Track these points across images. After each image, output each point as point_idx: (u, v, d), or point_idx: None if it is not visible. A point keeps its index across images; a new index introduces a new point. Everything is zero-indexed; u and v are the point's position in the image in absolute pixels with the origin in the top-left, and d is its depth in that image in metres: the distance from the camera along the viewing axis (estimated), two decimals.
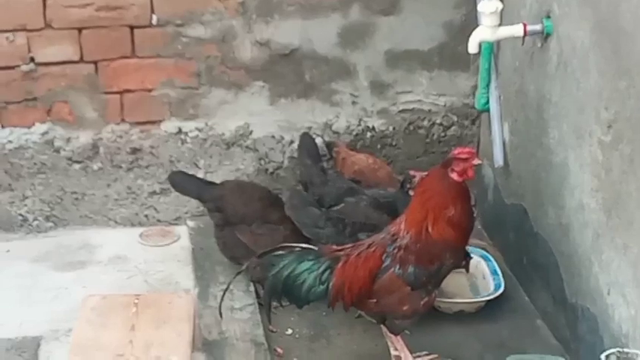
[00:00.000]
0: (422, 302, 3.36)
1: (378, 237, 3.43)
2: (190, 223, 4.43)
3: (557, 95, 3.56)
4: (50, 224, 4.40)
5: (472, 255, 4.11)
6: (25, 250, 4.26)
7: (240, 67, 4.28)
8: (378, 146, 4.49)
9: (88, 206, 4.40)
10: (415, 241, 3.31)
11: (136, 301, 3.39)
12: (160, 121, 4.32)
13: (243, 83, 4.31)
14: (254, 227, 3.92)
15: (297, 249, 3.39)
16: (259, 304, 3.75)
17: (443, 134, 4.51)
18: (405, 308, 3.36)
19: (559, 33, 3.49)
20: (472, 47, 3.66)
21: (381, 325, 3.49)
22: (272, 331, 3.78)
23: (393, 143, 4.50)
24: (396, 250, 3.32)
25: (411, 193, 3.82)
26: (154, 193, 4.42)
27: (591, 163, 3.29)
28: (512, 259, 4.22)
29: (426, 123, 4.49)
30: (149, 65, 4.22)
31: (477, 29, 3.64)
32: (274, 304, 3.41)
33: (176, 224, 4.48)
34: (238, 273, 3.47)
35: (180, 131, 4.35)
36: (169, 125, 4.33)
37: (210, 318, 3.70)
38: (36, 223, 4.37)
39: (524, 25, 3.58)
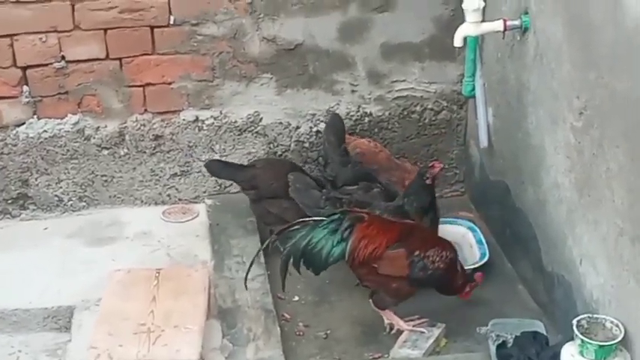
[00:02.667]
0: (406, 289, 3.34)
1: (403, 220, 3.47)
2: (208, 202, 4.40)
3: (534, 84, 3.50)
4: (83, 204, 4.38)
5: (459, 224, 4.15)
6: (61, 228, 4.25)
7: (250, 61, 4.22)
8: (376, 130, 4.44)
9: (116, 187, 4.38)
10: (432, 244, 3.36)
11: (157, 274, 3.38)
12: (179, 111, 4.28)
13: (253, 76, 4.25)
14: (282, 201, 3.91)
15: (311, 222, 3.36)
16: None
17: (434, 118, 4.46)
18: (393, 285, 3.34)
19: (536, 27, 3.43)
20: (457, 41, 3.60)
21: (370, 301, 3.47)
22: (280, 299, 3.77)
23: (389, 127, 4.45)
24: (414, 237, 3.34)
25: (429, 182, 3.76)
26: (175, 174, 4.39)
27: (565, 146, 3.24)
28: (496, 230, 4.19)
29: (418, 108, 4.43)
30: (168, 61, 4.17)
31: (462, 25, 3.58)
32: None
33: (195, 202, 4.45)
34: (260, 250, 3.45)
35: (197, 119, 4.30)
36: (187, 114, 4.29)
37: (225, 287, 3.69)
38: (70, 203, 4.35)
39: (504, 21, 3.52)
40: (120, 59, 4.15)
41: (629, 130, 2.71)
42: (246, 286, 3.45)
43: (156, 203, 4.43)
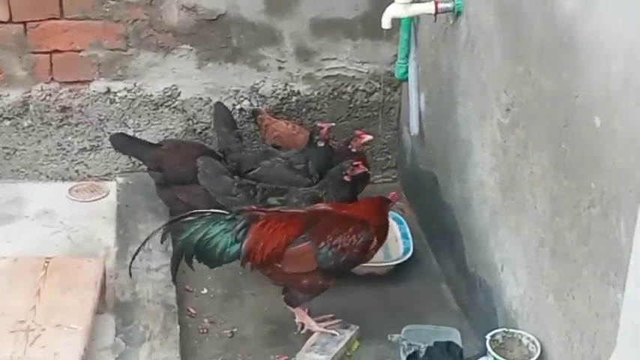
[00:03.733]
0: (319, 282, 3.14)
1: (304, 209, 3.24)
2: (119, 180, 4.16)
3: (464, 73, 3.30)
4: None
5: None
6: None
7: (167, 30, 3.97)
8: (304, 110, 4.22)
9: (19, 161, 4.13)
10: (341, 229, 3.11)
11: (46, 264, 3.14)
12: (89, 82, 4.02)
13: (170, 46, 4.00)
14: (192, 187, 3.66)
15: (209, 214, 3.15)
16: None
17: (366, 100, 4.24)
18: (304, 282, 3.14)
19: (468, 12, 3.21)
20: (385, 23, 3.37)
21: (283, 296, 3.26)
22: (188, 291, 3.56)
23: (318, 107, 4.23)
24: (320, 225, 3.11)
25: (320, 144, 3.73)
26: (84, 149, 4.14)
27: (491, 144, 3.05)
28: (425, 222, 4.01)
29: (349, 89, 4.21)
30: (77, 27, 3.90)
31: (390, 6, 3.35)
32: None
33: (106, 179, 4.21)
34: (147, 239, 3.22)
35: (109, 91, 4.05)
36: (98, 85, 4.03)
37: (126, 278, 3.44)
38: None
39: (436, 3, 3.30)
40: (24, 23, 3.88)
41: (554, 134, 2.52)
42: (130, 274, 3.23)
43: (63, 179, 4.19)
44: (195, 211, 3.18)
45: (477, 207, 3.23)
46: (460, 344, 3.05)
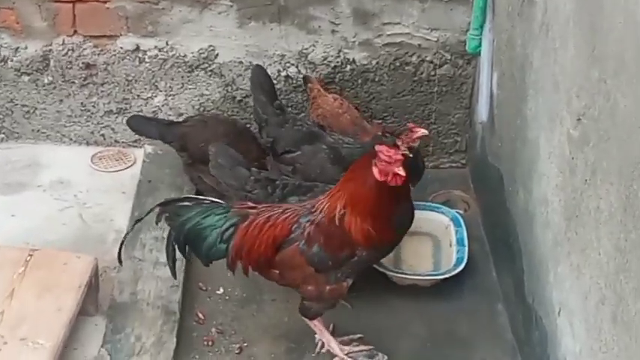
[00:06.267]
0: (328, 287, 2.70)
1: (297, 205, 2.80)
2: (148, 148, 3.78)
3: (537, 60, 2.73)
4: (1, 136, 3.82)
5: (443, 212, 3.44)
6: None
7: None
8: (359, 81, 3.71)
9: (39, 121, 3.81)
10: (327, 223, 2.62)
11: (29, 257, 2.80)
12: (116, 37, 3.63)
13: (208, 0, 3.54)
14: None
15: (207, 202, 2.83)
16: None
17: (433, 73, 3.70)
18: (309, 288, 2.74)
19: None
20: None
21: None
22: (201, 289, 3.18)
23: (376, 79, 3.71)
24: (308, 224, 2.66)
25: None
26: (110, 112, 3.78)
27: (559, 156, 2.50)
28: (489, 224, 3.50)
29: (414, 59, 3.67)
30: None
31: None
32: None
33: (135, 146, 3.85)
34: (138, 220, 2.86)
35: (137, 49, 3.65)
36: (126, 41, 3.63)
37: (128, 272, 3.12)
38: None
39: None
40: None
41: (625, 167, 1.97)
42: (120, 262, 2.87)
43: (87, 143, 3.86)
44: (193, 196, 2.90)
45: (539, 228, 2.70)
46: None
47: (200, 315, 3.08)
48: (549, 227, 2.59)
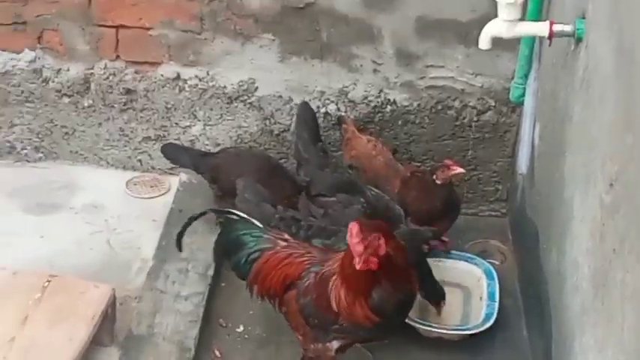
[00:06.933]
0: (312, 346, 2.64)
1: (321, 249, 2.77)
2: (184, 177, 3.77)
3: (578, 116, 2.64)
4: (40, 155, 3.87)
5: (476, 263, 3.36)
6: (6, 178, 3.75)
7: (248, 15, 3.49)
8: (399, 122, 3.65)
9: (78, 143, 3.84)
10: (324, 281, 2.57)
11: (46, 284, 2.79)
12: (158, 64, 3.63)
13: (250, 34, 3.52)
14: None
15: (250, 221, 2.88)
16: None
17: (476, 119, 3.62)
18: (300, 338, 2.71)
19: (589, 42, 2.54)
20: (483, 43, 2.75)
21: None
22: (221, 326, 3.14)
23: (417, 121, 3.64)
24: (313, 274, 2.63)
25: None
26: (148, 138, 3.79)
27: (591, 221, 2.39)
28: (524, 279, 3.40)
29: (457, 104, 3.60)
30: (147, 1, 3.50)
31: (491, 22, 2.73)
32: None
33: (171, 174, 3.84)
34: (194, 218, 2.93)
35: (178, 77, 3.65)
36: (167, 69, 3.64)
37: (148, 304, 3.09)
38: (25, 152, 3.85)
39: (551, 24, 2.63)
40: None
41: None
42: (179, 248, 2.94)
43: (124, 168, 3.87)
44: (239, 213, 2.90)
45: (569, 292, 2.59)
46: None
47: (217, 353, 3.04)
48: (578, 293, 2.48)
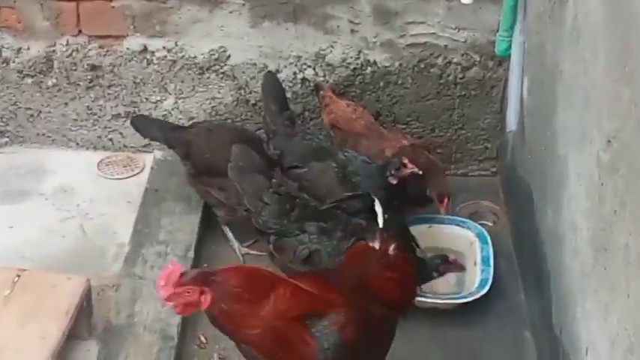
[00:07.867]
0: None
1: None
2: (158, 154, 3.62)
3: (568, 70, 2.51)
4: (5, 139, 3.71)
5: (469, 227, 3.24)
6: None
7: None
8: (381, 84, 3.50)
9: (44, 124, 3.67)
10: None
11: (16, 278, 2.65)
12: (122, 37, 3.46)
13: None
14: (225, 181, 3.03)
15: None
16: None
17: (461, 75, 3.47)
18: None
19: None
20: None
21: None
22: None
23: (399, 82, 3.50)
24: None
25: (393, 181, 2.99)
26: (118, 115, 3.63)
27: (588, 179, 2.27)
28: (518, 239, 3.29)
29: (440, 61, 3.45)
30: None
31: None
32: None
33: (145, 151, 3.69)
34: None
35: (145, 49, 3.48)
36: (133, 42, 3.47)
37: (126, 292, 2.96)
38: None
39: None
40: None
41: None
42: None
43: (95, 148, 3.71)
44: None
45: (568, 255, 2.48)
46: None
47: (202, 338, 2.92)
48: (577, 256, 2.37)
